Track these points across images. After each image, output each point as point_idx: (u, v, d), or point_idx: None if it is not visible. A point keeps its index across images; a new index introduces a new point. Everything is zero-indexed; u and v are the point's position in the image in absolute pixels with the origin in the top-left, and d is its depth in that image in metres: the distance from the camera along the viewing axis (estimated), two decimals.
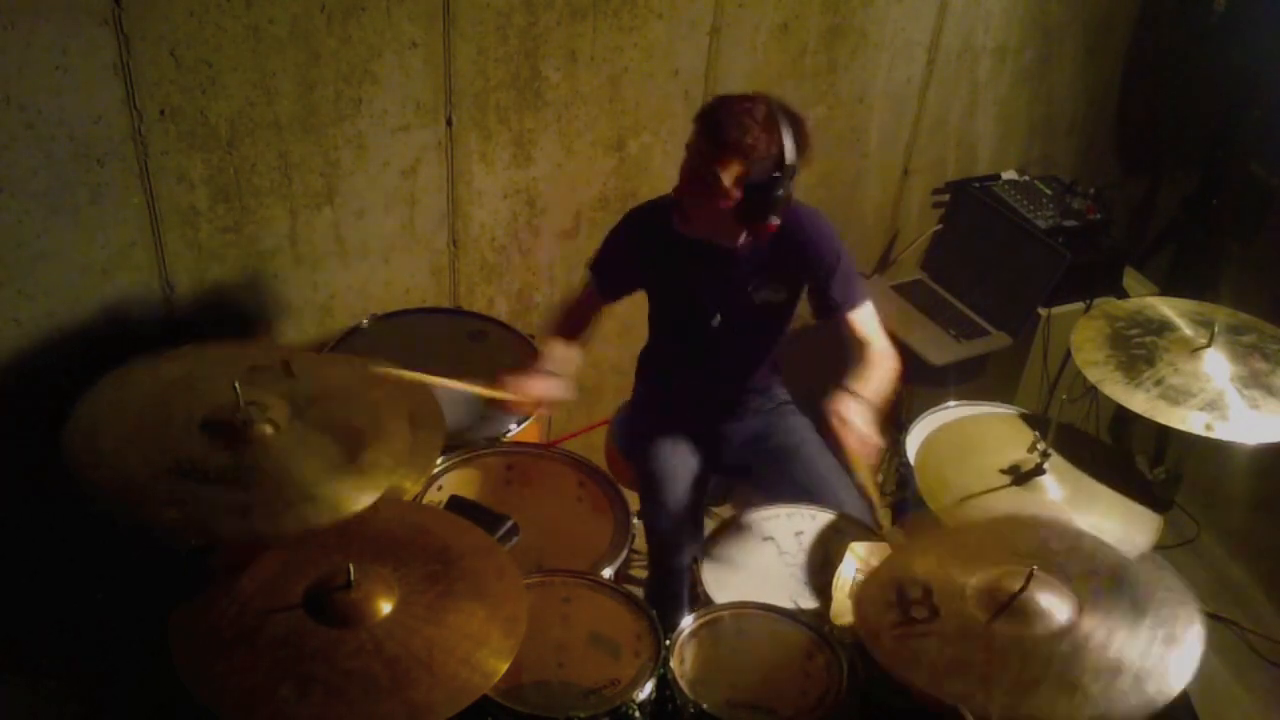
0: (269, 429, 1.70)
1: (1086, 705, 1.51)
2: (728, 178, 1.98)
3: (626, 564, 2.18)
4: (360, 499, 1.64)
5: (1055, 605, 1.65)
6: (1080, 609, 1.65)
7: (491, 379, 2.12)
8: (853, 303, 2.24)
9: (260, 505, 1.60)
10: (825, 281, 2.22)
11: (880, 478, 3.27)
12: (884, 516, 2.10)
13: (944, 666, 1.57)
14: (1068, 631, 1.62)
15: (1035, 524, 1.88)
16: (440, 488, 2.17)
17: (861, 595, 1.68)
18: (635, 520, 2.23)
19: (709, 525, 2.29)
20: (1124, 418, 3.28)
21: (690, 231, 2.13)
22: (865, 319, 2.24)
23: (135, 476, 1.61)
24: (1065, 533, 1.84)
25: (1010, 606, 1.64)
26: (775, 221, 2.06)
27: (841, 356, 2.24)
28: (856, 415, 2.01)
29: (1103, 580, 1.71)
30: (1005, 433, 2.25)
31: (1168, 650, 1.60)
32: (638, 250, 2.24)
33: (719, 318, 2.24)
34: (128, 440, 1.67)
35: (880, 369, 2.17)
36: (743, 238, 2.13)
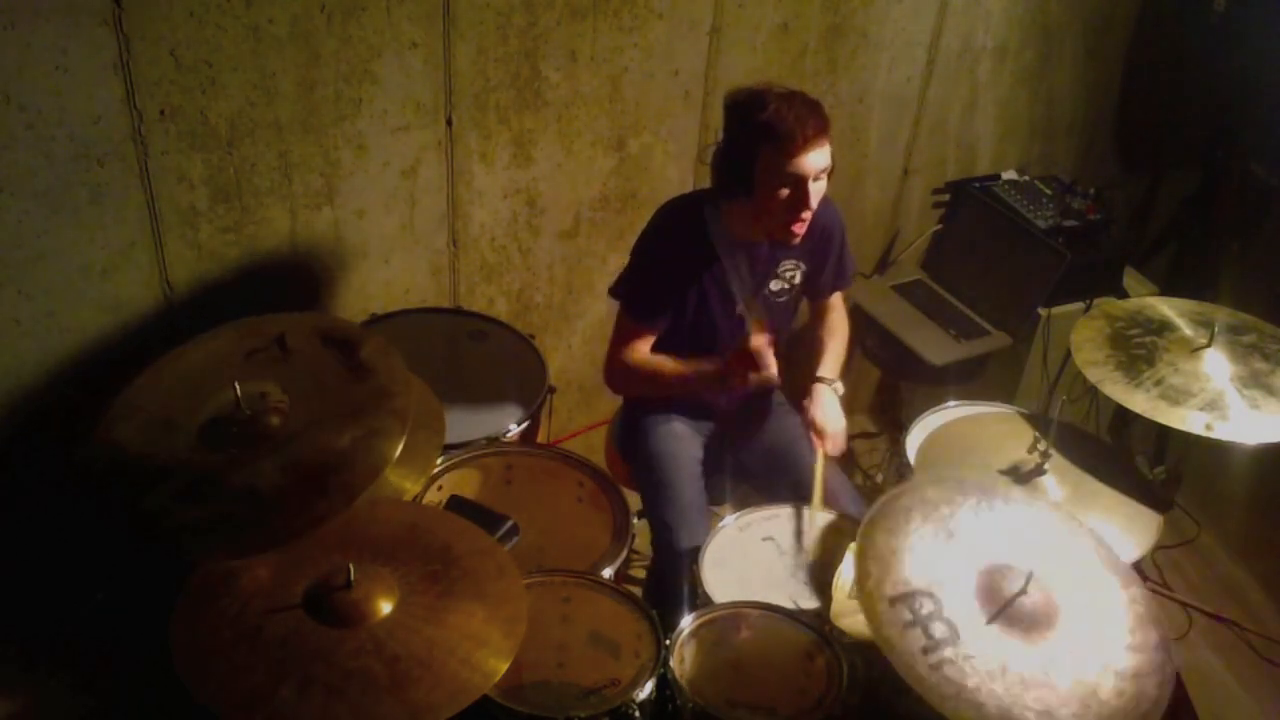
0: (275, 420, 1.70)
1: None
2: (829, 154, 2.05)
3: (626, 564, 2.18)
4: (388, 453, 1.64)
5: (1050, 606, 1.68)
6: (1067, 607, 1.69)
7: None
8: (848, 281, 2.40)
9: (294, 496, 1.61)
10: (835, 259, 2.32)
11: (880, 477, 3.28)
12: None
13: (989, 696, 1.57)
14: (1068, 634, 1.65)
15: (981, 491, 1.89)
16: (440, 488, 2.17)
17: (877, 622, 1.64)
18: (635, 520, 2.23)
19: (709, 525, 2.29)
20: (1124, 418, 3.28)
21: (750, 235, 2.17)
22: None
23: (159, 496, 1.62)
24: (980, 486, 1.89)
25: (1024, 611, 1.66)
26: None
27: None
28: (831, 410, 2.27)
29: (1070, 563, 1.78)
30: (1005, 433, 2.25)
31: (1149, 645, 1.67)
32: (678, 268, 2.20)
33: (742, 308, 2.24)
34: (150, 453, 1.68)
35: (843, 337, 2.43)
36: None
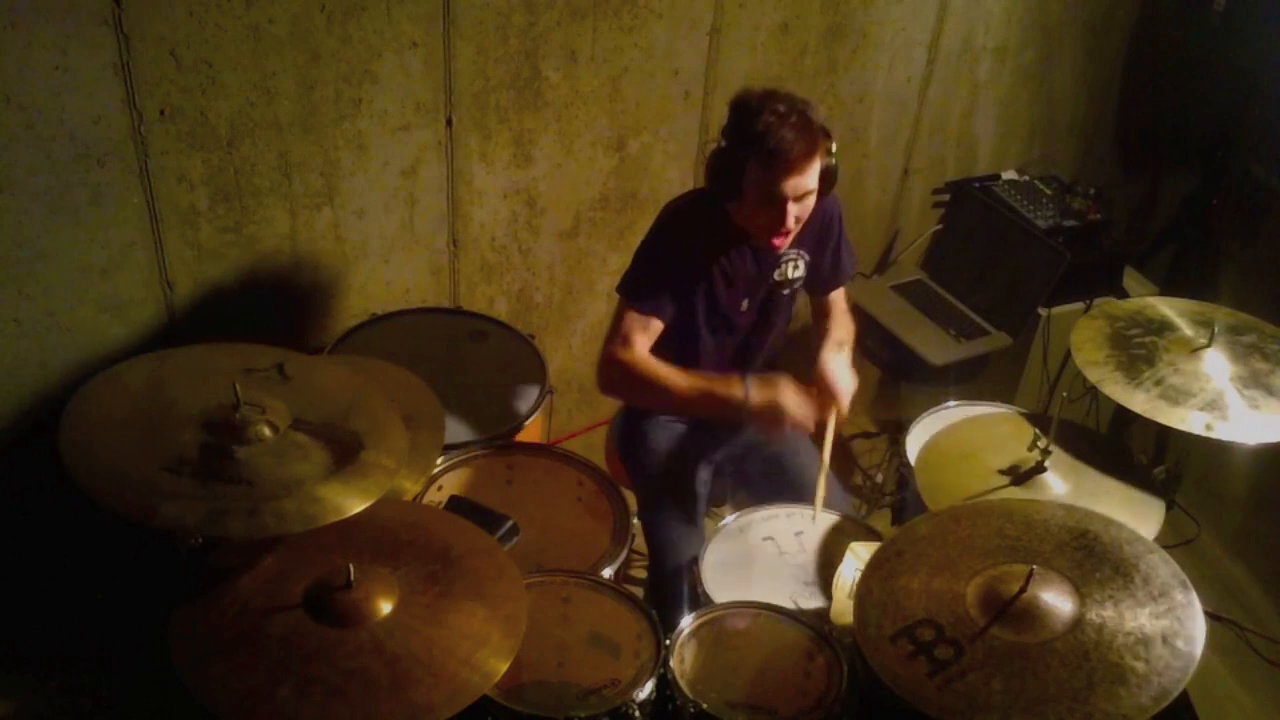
0: (267, 431, 1.69)
1: (1143, 687, 1.52)
2: (818, 175, 2.04)
3: (626, 564, 2.18)
4: (357, 502, 1.63)
5: (1057, 596, 1.66)
6: (1077, 590, 1.66)
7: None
8: (849, 274, 2.39)
9: (259, 504, 1.60)
10: (834, 252, 2.31)
11: (880, 477, 3.28)
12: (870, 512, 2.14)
13: (1005, 699, 1.55)
14: (1081, 618, 1.63)
15: (974, 514, 1.87)
16: (440, 488, 2.17)
17: (881, 661, 1.63)
18: (635, 520, 2.23)
19: (709, 525, 2.29)
20: (1124, 418, 3.28)
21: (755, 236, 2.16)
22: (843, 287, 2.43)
23: (130, 472, 1.60)
24: (1010, 511, 1.85)
25: (1025, 610, 1.64)
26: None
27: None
28: (842, 371, 2.22)
29: (1075, 550, 1.75)
30: (1005, 433, 2.25)
31: (1171, 602, 1.65)
32: (685, 259, 2.17)
33: (746, 302, 2.24)
34: (122, 437, 1.66)
35: (848, 330, 2.40)
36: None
